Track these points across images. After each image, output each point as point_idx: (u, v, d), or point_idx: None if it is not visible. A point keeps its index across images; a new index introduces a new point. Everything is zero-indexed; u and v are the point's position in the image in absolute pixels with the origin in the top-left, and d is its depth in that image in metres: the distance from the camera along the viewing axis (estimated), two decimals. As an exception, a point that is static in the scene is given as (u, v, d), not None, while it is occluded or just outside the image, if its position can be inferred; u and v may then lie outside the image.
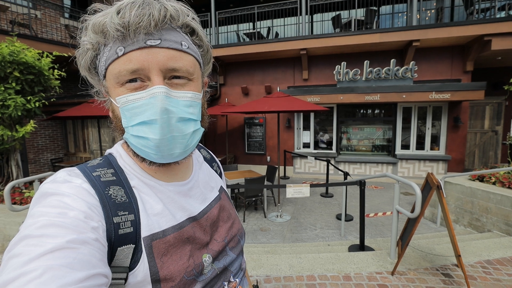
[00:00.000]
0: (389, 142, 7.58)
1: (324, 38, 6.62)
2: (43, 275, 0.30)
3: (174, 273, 0.46)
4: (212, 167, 0.70)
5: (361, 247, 3.07)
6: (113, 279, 0.42)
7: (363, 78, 6.55)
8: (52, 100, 4.33)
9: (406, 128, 7.32)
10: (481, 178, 4.18)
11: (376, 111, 7.69)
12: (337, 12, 7.55)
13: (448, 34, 5.99)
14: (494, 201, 3.65)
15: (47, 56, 4.00)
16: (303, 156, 7.20)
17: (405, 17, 7.80)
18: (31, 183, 3.82)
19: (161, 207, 0.49)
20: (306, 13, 7.11)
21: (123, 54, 0.42)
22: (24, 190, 3.68)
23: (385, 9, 8.14)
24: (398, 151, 7.33)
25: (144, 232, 0.45)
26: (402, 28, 6.17)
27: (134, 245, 0.44)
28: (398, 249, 2.69)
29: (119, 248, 0.43)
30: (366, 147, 7.88)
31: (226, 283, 0.57)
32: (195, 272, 0.49)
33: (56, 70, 4.09)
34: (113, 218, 0.43)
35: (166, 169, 0.53)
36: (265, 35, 8.60)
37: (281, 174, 7.80)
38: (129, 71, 0.43)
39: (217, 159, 0.76)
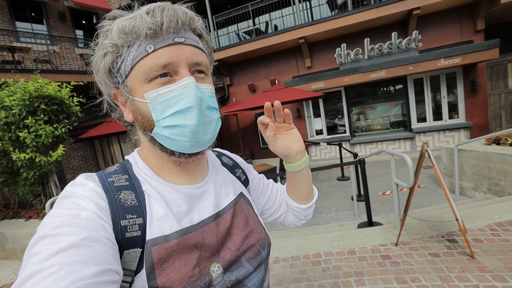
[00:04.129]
0: (404, 117, 7.38)
1: (319, 24, 6.60)
2: (59, 271, 0.32)
3: (174, 281, 0.45)
4: (234, 173, 0.69)
5: (369, 223, 3.16)
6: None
7: (366, 57, 6.45)
8: (75, 124, 4.84)
9: (420, 100, 7.08)
10: (497, 141, 4.02)
11: (386, 88, 7.51)
12: (332, -5, 7.45)
13: (449, -5, 5.71)
14: (511, 163, 3.53)
15: (66, 86, 4.49)
16: (317, 143, 7.26)
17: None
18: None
19: (164, 211, 0.48)
20: (300, 1, 7.11)
21: (154, 51, 0.45)
22: (64, 207, 4.24)
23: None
24: (415, 125, 7.12)
25: (147, 236, 0.46)
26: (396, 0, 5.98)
27: (141, 249, 0.45)
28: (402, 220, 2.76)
29: (125, 251, 0.43)
30: (381, 126, 7.74)
31: None
32: (200, 283, 0.47)
33: (75, 98, 4.58)
34: (121, 221, 0.44)
35: (183, 170, 0.54)
36: (264, 30, 8.70)
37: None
38: (161, 66, 0.45)
39: (243, 166, 0.73)
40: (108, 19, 0.48)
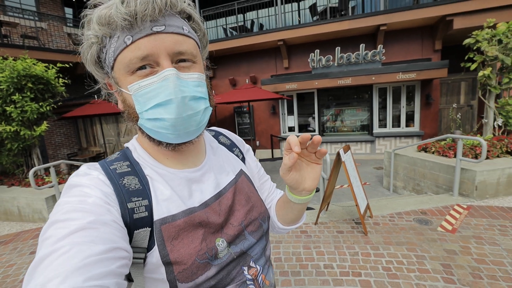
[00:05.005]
0: (368, 121, 8.13)
1: (297, 29, 7.14)
2: (70, 250, 0.35)
3: (185, 256, 0.48)
4: (232, 151, 0.70)
5: (305, 208, 3.83)
6: (133, 258, 0.46)
7: (336, 64, 7.08)
8: (59, 104, 5.22)
9: (383, 107, 7.82)
10: (425, 149, 4.77)
11: (355, 93, 8.20)
12: (313, 1, 7.97)
13: (412, 16, 6.38)
14: (428, 167, 4.28)
15: (52, 67, 4.85)
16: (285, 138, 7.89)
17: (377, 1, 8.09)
18: (48, 169, 4.80)
19: (169, 193, 0.50)
20: (282, 3, 7.61)
21: (132, 43, 0.44)
22: (44, 177, 4.66)
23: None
24: (376, 129, 7.88)
25: (155, 216, 0.48)
26: (368, 14, 6.59)
27: (150, 228, 0.47)
28: (326, 206, 3.43)
29: (135, 231, 0.46)
30: (348, 128, 8.46)
31: (245, 268, 0.57)
32: (208, 255, 0.50)
33: (61, 79, 4.96)
34: (127, 204, 0.46)
35: (179, 155, 0.55)
36: (249, 27, 9.14)
37: (270, 156, 8.56)
38: (139, 58, 0.44)
39: (240, 144, 0.74)
40: (89, 8, 0.46)
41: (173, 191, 0.51)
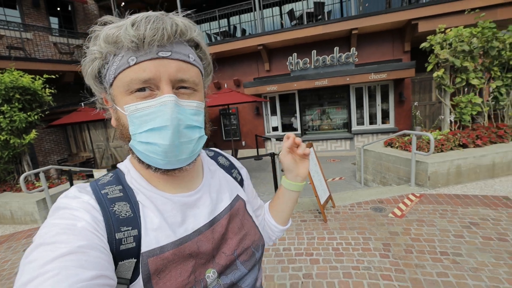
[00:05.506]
0: (347, 120, 8.56)
1: (276, 34, 7.51)
2: (58, 274, 0.33)
3: None
4: (231, 174, 0.68)
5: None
6: None
7: (312, 66, 7.48)
8: (47, 113, 5.48)
9: (360, 106, 8.26)
10: (391, 144, 5.19)
11: (334, 93, 8.62)
12: (290, 7, 8.36)
13: (380, 21, 6.82)
14: (391, 161, 4.70)
15: (39, 78, 5.11)
16: (269, 138, 8.27)
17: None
18: (38, 175, 5.07)
19: (159, 221, 0.49)
20: (260, 8, 7.97)
21: (135, 64, 0.44)
22: (35, 182, 4.93)
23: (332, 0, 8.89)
24: (354, 127, 8.32)
25: (143, 248, 0.46)
26: (340, 19, 7.01)
27: (135, 260, 0.46)
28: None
29: (120, 262, 0.44)
30: (328, 126, 8.88)
31: None
32: None
33: (47, 89, 5.22)
34: (115, 234, 0.45)
35: (172, 179, 0.53)
36: (233, 32, 9.49)
37: (255, 154, 8.92)
38: (141, 80, 0.44)
39: (238, 166, 0.73)
40: (99, 24, 0.47)
41: (163, 219, 0.49)
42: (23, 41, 7.81)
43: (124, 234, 0.45)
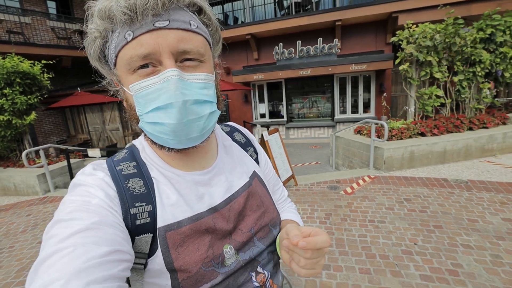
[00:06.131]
0: (331, 108, 8.97)
1: (263, 24, 7.81)
2: (74, 251, 0.35)
3: (190, 264, 0.47)
4: (246, 151, 0.66)
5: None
6: (133, 263, 0.44)
7: (297, 56, 7.82)
8: (45, 96, 5.93)
9: (343, 95, 8.65)
10: (360, 132, 5.65)
11: (319, 83, 8.99)
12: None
13: (362, 13, 7.10)
14: (357, 147, 5.18)
15: (37, 64, 5.54)
16: (255, 124, 8.73)
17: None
18: (38, 153, 5.61)
19: (176, 198, 0.49)
20: None
21: (133, 39, 0.41)
22: (35, 159, 5.47)
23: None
24: (337, 115, 8.75)
25: (159, 222, 0.46)
26: (324, 11, 7.30)
27: (152, 234, 0.46)
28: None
29: (136, 237, 0.45)
30: (313, 114, 9.31)
31: (253, 274, 0.55)
32: (214, 263, 0.49)
33: (46, 74, 5.65)
34: (130, 209, 0.45)
35: (186, 157, 0.53)
36: (224, 20, 9.73)
37: (243, 141, 9.43)
38: (141, 56, 0.41)
39: (254, 143, 0.70)
40: (93, 0, 0.43)
41: (180, 196, 0.49)
42: (22, 25, 8.13)
43: (138, 209, 0.46)
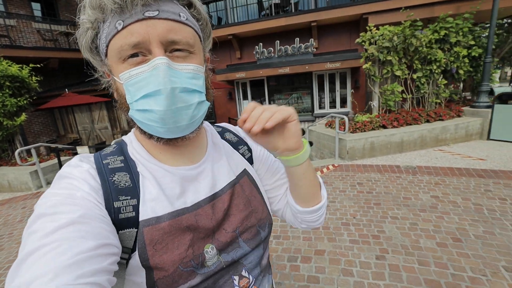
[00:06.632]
0: (310, 104, 9.48)
1: (243, 24, 8.21)
2: (60, 246, 0.33)
3: (167, 262, 0.45)
4: (238, 150, 0.65)
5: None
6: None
7: (276, 55, 8.27)
8: (34, 98, 6.25)
9: (322, 91, 9.16)
10: (331, 125, 6.17)
11: (300, 80, 9.48)
12: (259, -2, 8.99)
13: (336, 14, 7.58)
14: (326, 139, 5.69)
15: (26, 67, 5.84)
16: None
17: None
18: (29, 151, 5.96)
19: (156, 192, 0.48)
20: None
21: (123, 28, 0.42)
22: (27, 158, 5.82)
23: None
24: (316, 110, 9.26)
25: (140, 217, 0.46)
26: (300, 12, 7.75)
27: (136, 229, 0.45)
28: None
29: (120, 232, 0.44)
30: (295, 110, 9.80)
31: (236, 277, 0.54)
32: (193, 263, 0.48)
33: (34, 77, 5.96)
34: (114, 202, 0.45)
35: (174, 150, 0.52)
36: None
37: (229, 136, 9.88)
38: (131, 45, 0.42)
39: (248, 141, 0.68)
40: None
41: (161, 190, 0.48)
42: (7, 28, 8.33)
43: (122, 203, 0.45)
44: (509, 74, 26.77)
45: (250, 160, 0.65)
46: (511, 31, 10.35)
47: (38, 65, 6.11)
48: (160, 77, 0.42)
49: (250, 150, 0.67)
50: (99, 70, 0.52)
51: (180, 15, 0.45)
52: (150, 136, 0.48)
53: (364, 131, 5.41)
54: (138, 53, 0.43)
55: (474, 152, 4.91)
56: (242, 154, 0.65)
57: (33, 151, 4.94)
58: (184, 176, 0.51)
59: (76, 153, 6.42)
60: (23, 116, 5.84)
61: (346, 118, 4.62)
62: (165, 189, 0.49)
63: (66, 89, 7.44)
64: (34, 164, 5.10)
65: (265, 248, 0.61)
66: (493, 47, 5.57)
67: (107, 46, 0.44)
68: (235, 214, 0.55)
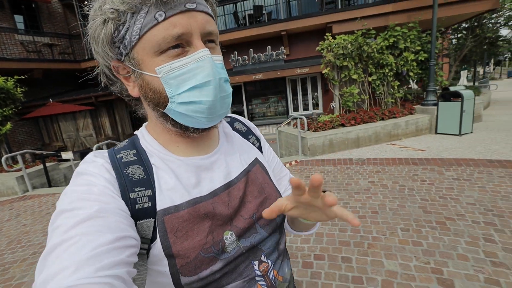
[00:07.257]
0: (285, 106, 10.11)
1: (221, 34, 8.77)
2: (79, 241, 0.35)
3: (188, 249, 0.47)
4: (248, 139, 0.67)
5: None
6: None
7: (250, 63, 8.87)
8: (19, 108, 6.61)
9: (296, 95, 9.81)
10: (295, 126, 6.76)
11: (274, 85, 10.10)
12: (234, 8, 9.60)
13: (304, 24, 8.25)
14: (292, 138, 6.28)
15: (10, 79, 6.22)
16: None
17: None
18: (15, 158, 6.29)
19: (173, 182, 0.49)
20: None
21: (164, 19, 0.41)
22: (13, 165, 6.16)
23: (270, 1, 10.20)
24: (291, 113, 9.89)
25: (158, 207, 0.47)
26: (270, 22, 8.40)
27: (153, 219, 0.46)
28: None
29: (138, 222, 0.45)
30: (271, 113, 10.41)
31: (256, 263, 0.55)
32: (214, 249, 0.49)
33: (19, 88, 6.33)
34: (129, 194, 0.46)
35: (191, 141, 0.54)
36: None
37: (210, 140, 10.38)
38: (175, 37, 0.42)
39: (256, 131, 0.71)
40: None
41: (178, 180, 0.50)
42: (-10, 41, 8.63)
43: (138, 194, 0.46)
44: (481, 73, 28.41)
45: (260, 149, 0.68)
46: (468, 37, 11.37)
47: (23, 77, 6.49)
48: (208, 68, 0.44)
49: (258, 140, 0.70)
50: (103, 66, 0.51)
51: (208, 8, 0.47)
52: (186, 129, 0.49)
53: (325, 129, 6.02)
54: (179, 44, 0.43)
55: (420, 144, 5.59)
56: (253, 143, 0.67)
57: (19, 158, 5.32)
58: (199, 165, 0.53)
59: (61, 159, 6.78)
60: (9, 125, 6.20)
61: (305, 119, 5.22)
62: (181, 178, 0.50)
63: (51, 99, 7.79)
64: (20, 170, 5.46)
65: (281, 233, 0.62)
66: (452, 51, 6.33)
67: (139, 38, 0.43)
68: (250, 201, 0.56)
